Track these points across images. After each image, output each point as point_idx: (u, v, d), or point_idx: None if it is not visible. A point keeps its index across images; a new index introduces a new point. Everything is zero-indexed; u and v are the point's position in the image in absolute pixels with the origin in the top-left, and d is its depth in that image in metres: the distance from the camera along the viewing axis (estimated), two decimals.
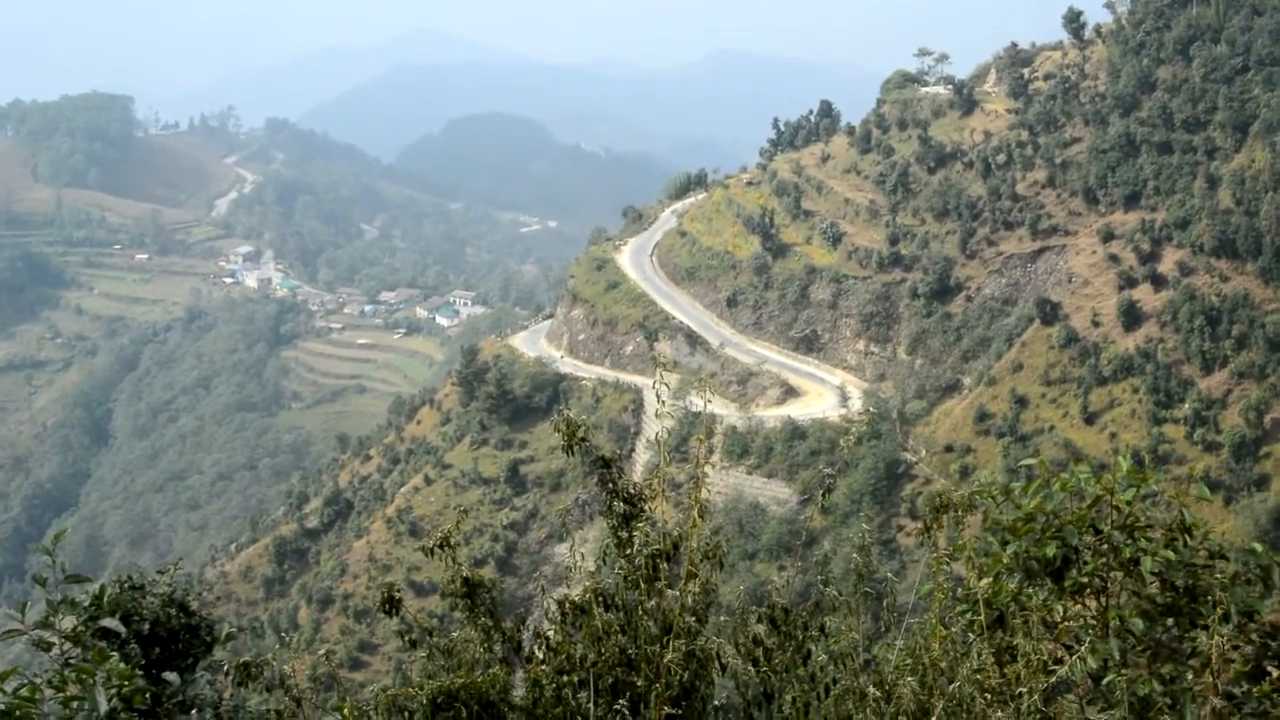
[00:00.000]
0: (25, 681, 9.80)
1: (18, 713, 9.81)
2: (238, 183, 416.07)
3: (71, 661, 10.53)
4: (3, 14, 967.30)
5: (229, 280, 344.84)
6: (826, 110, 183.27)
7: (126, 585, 12.64)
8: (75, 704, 10.04)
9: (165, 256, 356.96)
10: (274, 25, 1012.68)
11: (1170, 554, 9.77)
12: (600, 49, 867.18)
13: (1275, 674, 9.39)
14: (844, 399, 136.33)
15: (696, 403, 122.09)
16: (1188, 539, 9.88)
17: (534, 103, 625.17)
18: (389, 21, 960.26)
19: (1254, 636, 9.69)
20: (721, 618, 11.59)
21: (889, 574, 12.15)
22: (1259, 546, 9.93)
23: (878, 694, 10.45)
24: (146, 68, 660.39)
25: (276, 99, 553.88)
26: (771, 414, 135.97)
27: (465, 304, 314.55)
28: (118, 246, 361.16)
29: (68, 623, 11.01)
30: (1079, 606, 10.15)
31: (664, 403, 15.16)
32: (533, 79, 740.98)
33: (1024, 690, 9.60)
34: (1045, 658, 9.75)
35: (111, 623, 11.39)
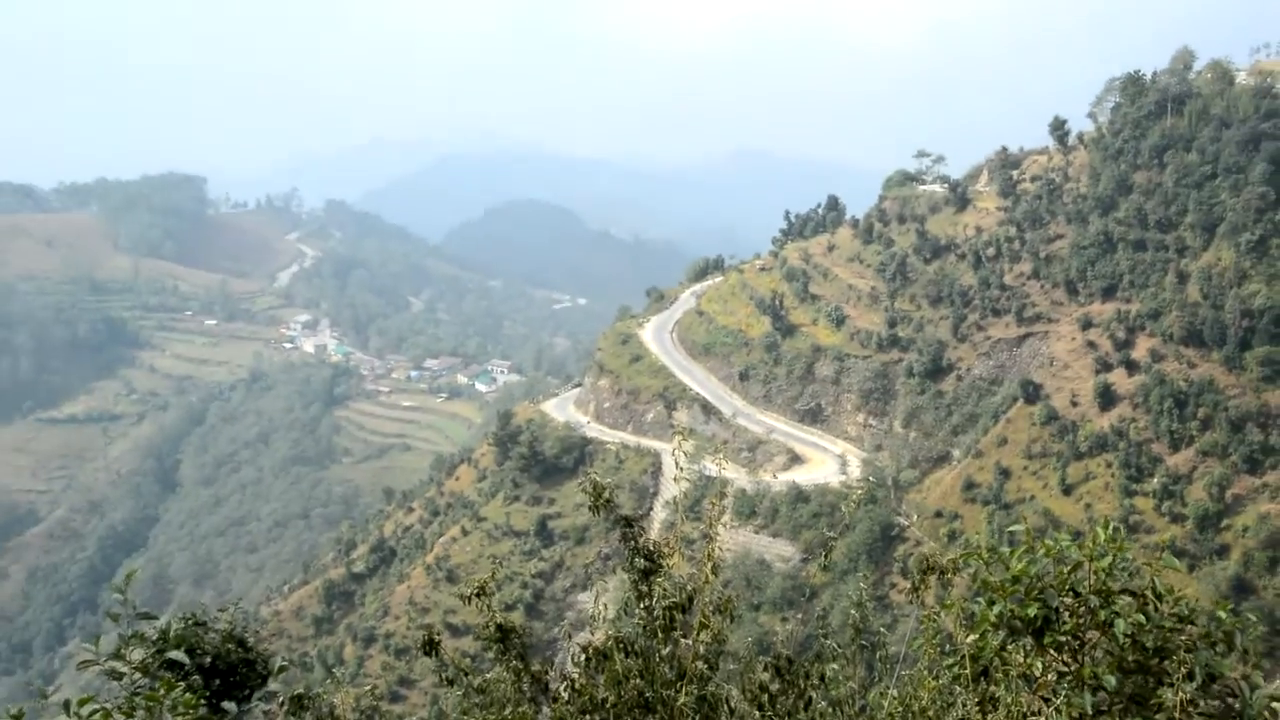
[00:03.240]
0: (99, 707, 10.27)
1: None
2: (298, 257, 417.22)
3: (140, 690, 11.09)
4: (90, 97, 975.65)
5: (288, 345, 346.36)
6: (833, 204, 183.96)
7: (190, 621, 12.56)
8: None
9: (231, 323, 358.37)
10: (337, 116, 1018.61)
11: (1141, 618, 9.68)
12: (628, 145, 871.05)
13: None
14: (844, 467, 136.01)
15: (710, 468, 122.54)
16: (1158, 604, 9.78)
17: (567, 192, 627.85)
18: (440, 116, 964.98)
19: (1218, 696, 9.47)
20: (730, 665, 11.68)
21: (882, 628, 12.72)
22: (1223, 614, 9.85)
23: None
24: (220, 151, 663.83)
25: (336, 182, 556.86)
26: (778, 479, 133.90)
27: (502, 372, 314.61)
28: (189, 312, 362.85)
29: (137, 654, 11.58)
30: (1057, 662, 9.92)
31: (682, 468, 15.82)
32: (566, 171, 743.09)
33: None
34: (1024, 709, 9.87)
35: (177, 655, 11.80)
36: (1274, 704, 9.55)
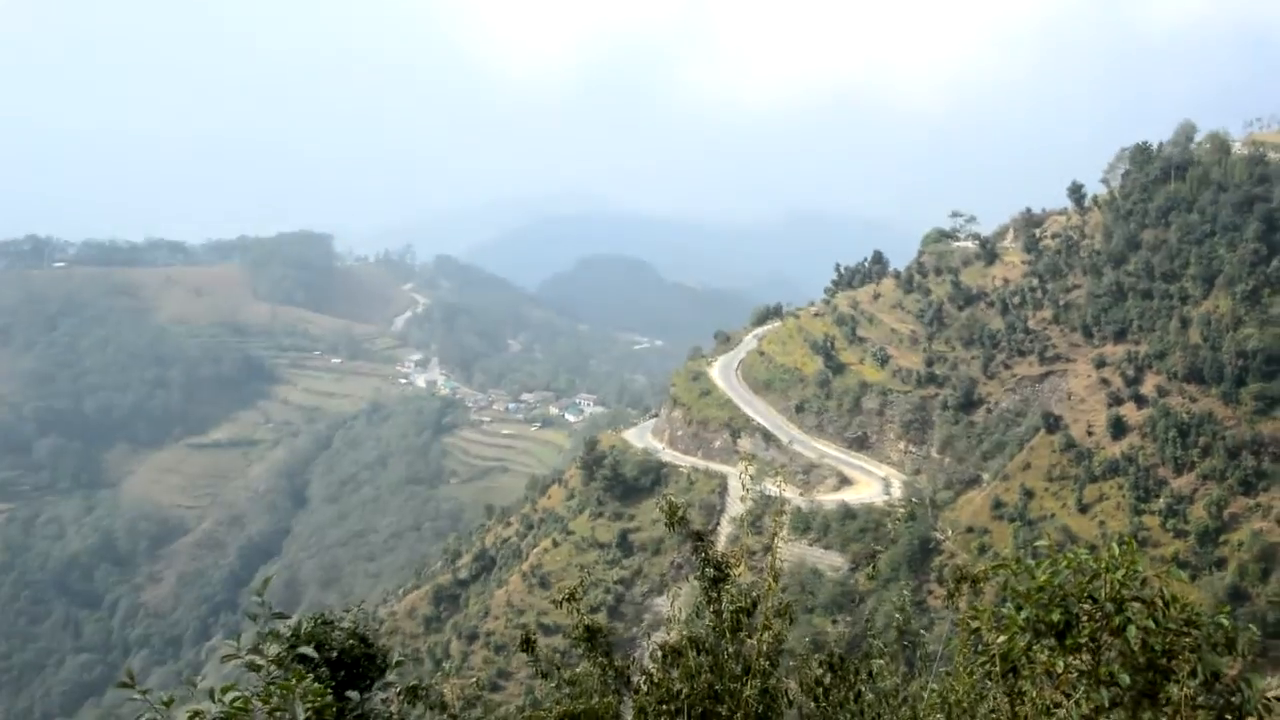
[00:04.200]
0: (240, 695, 10.59)
1: (236, 716, 10.59)
2: (412, 305, 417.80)
3: (275, 681, 11.12)
4: (233, 165, 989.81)
5: (403, 381, 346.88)
6: (878, 258, 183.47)
7: (319, 621, 12.87)
8: (278, 714, 10.81)
9: (354, 361, 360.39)
10: (446, 180, 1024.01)
11: (1150, 622, 9.44)
12: (699, 205, 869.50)
13: None
14: (887, 488, 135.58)
15: (770, 488, 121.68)
16: (1166, 610, 9.52)
17: (646, 247, 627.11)
18: (536, 179, 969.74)
19: (1220, 693, 9.33)
20: (789, 662, 11.82)
21: (921, 630, 12.97)
22: (1225, 620, 9.74)
23: None
24: (344, 211, 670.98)
25: (445, 238, 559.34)
26: (829, 498, 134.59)
27: (588, 405, 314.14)
28: (317, 352, 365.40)
29: (273, 650, 11.64)
30: (1076, 661, 9.78)
31: (746, 489, 16.87)
32: (645, 228, 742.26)
33: None
34: (1048, 702, 9.88)
35: (307, 650, 12.11)
36: (1268, 698, 9.60)
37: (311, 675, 11.15)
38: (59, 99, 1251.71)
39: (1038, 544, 10.73)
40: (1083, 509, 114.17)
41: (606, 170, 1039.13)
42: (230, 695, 10.59)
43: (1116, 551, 9.95)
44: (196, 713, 10.76)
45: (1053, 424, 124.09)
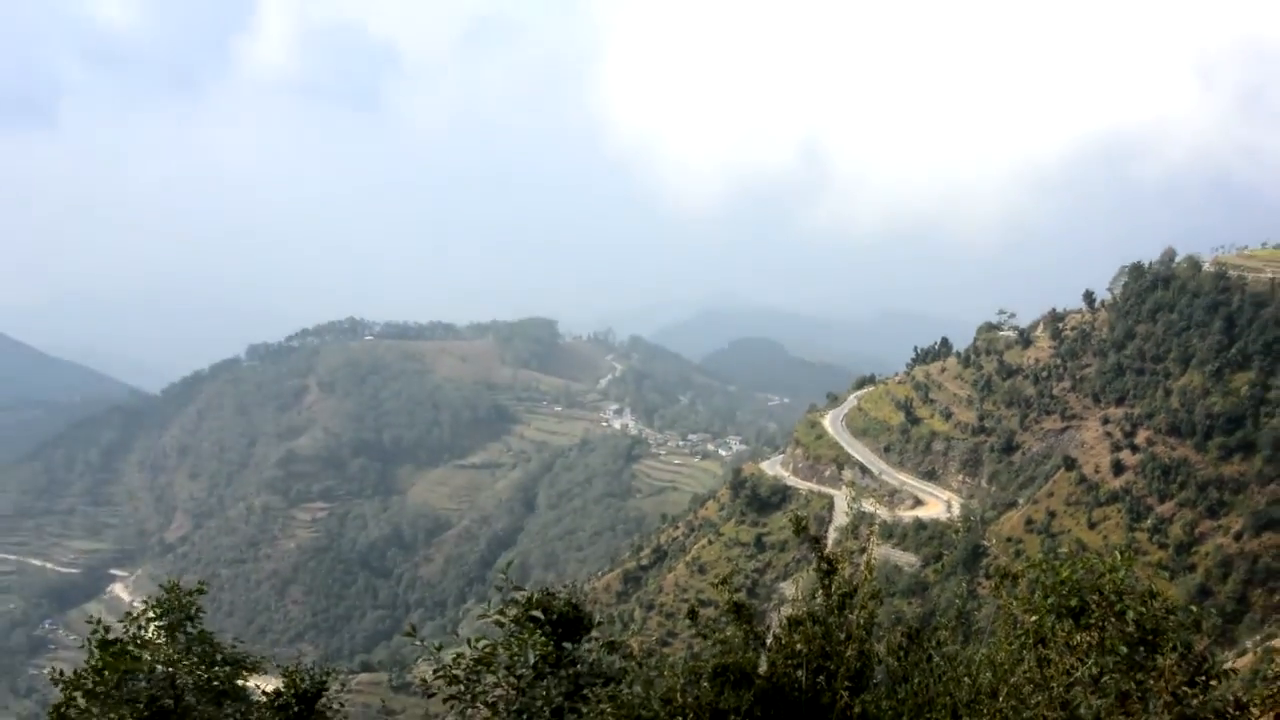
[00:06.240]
0: (490, 642, 11.49)
1: (486, 658, 11.43)
2: (611, 370, 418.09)
3: (513, 634, 11.85)
4: (489, 274, 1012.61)
5: (604, 424, 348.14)
6: (944, 343, 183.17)
7: (544, 593, 12.82)
8: (515, 657, 11.54)
9: (570, 409, 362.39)
10: (639, 277, 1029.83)
11: (1142, 609, 9.56)
12: (816, 302, 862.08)
13: (1212, 683, 9.45)
14: (949, 508, 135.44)
15: (865, 506, 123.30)
16: (1152, 601, 9.70)
17: (778, 331, 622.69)
18: (699, 279, 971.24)
19: (1191, 661, 9.47)
20: (878, 632, 11.67)
21: (973, 611, 14.15)
22: (1195, 607, 10.18)
23: (969, 681, 10.55)
24: (566, 300, 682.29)
25: (636, 323, 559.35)
26: (906, 514, 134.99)
27: (735, 444, 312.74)
28: (544, 402, 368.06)
29: (511, 612, 12.29)
30: (1088, 636, 9.80)
31: (849, 506, 19.26)
32: (778, 318, 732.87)
33: (1055, 684, 9.75)
34: (1067, 666, 9.76)
35: (536, 613, 12.37)
36: (1228, 667, 9.86)
37: (539, 631, 12.01)
38: (372, 231, 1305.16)
39: (1059, 551, 11.55)
40: (1091, 526, 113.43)
41: (750, 274, 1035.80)
42: (482, 644, 11.53)
43: (1117, 558, 10.20)
44: (459, 654, 11.57)
45: (1070, 464, 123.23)
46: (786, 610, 11.73)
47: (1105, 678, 9.47)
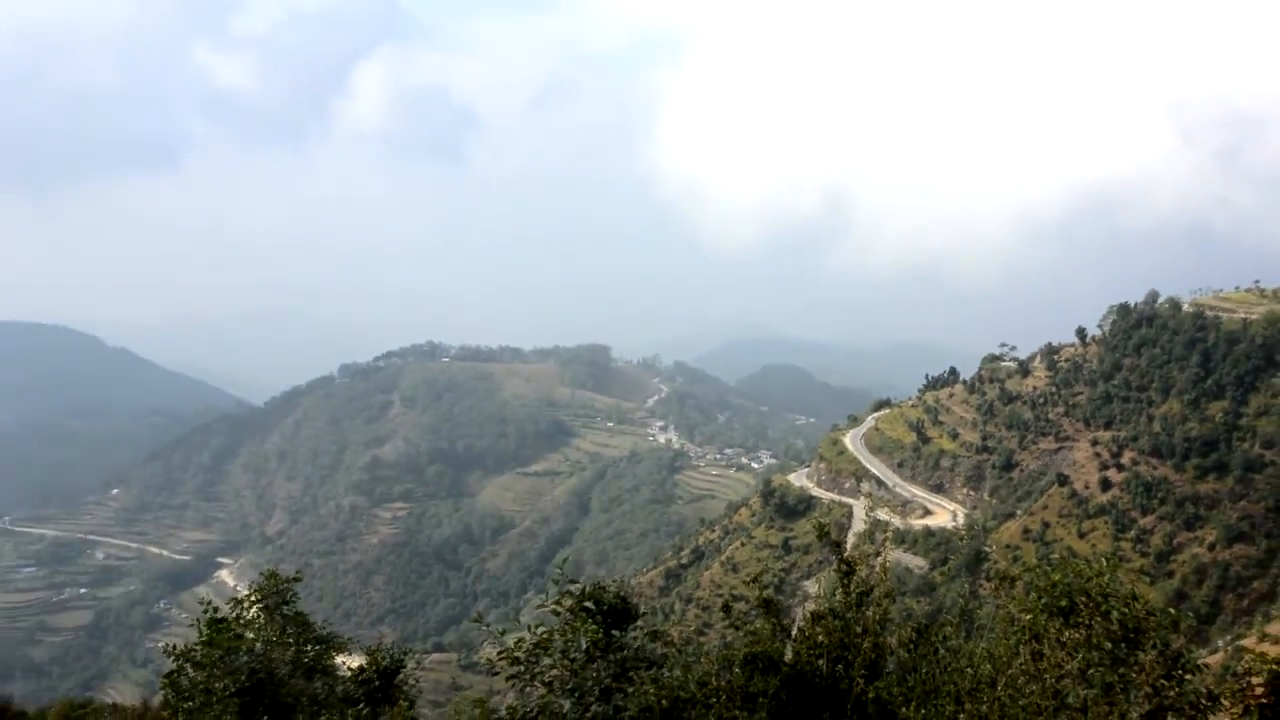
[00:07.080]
0: (547, 629, 11.41)
1: (543, 643, 11.24)
2: (658, 391, 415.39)
3: (568, 623, 11.70)
4: (549, 306, 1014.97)
5: (650, 439, 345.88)
6: (952, 371, 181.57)
7: (596, 586, 12.62)
8: (570, 643, 11.31)
9: (621, 425, 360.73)
10: (683, 307, 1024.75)
11: (1125, 609, 9.43)
12: (839, 333, 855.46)
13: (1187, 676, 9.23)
14: (955, 518, 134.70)
15: (880, 514, 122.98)
16: (1134, 602, 9.55)
17: (805, 359, 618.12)
18: (735, 312, 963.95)
19: (1169, 657, 9.33)
20: (891, 626, 11.55)
21: (975, 609, 12.76)
22: (1173, 609, 9.94)
23: (971, 672, 10.34)
24: (617, 331, 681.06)
25: (680, 350, 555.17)
26: (917, 523, 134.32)
27: (766, 458, 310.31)
28: (598, 419, 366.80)
29: (567, 603, 12.10)
30: (1077, 633, 9.63)
31: (866, 515, 19.54)
32: (805, 347, 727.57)
33: (1047, 675, 9.59)
34: (1058, 659, 9.59)
35: (588, 604, 12.14)
36: (1201, 663, 9.65)
37: (590, 620, 11.81)
38: (452, 266, 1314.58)
39: (1052, 558, 11.28)
40: (1081, 536, 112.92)
41: (780, 308, 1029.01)
42: (540, 629, 11.41)
43: (1103, 564, 10.08)
44: (520, 639, 11.40)
45: (1063, 481, 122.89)
46: (810, 606, 11.71)
47: (1092, 671, 9.39)
